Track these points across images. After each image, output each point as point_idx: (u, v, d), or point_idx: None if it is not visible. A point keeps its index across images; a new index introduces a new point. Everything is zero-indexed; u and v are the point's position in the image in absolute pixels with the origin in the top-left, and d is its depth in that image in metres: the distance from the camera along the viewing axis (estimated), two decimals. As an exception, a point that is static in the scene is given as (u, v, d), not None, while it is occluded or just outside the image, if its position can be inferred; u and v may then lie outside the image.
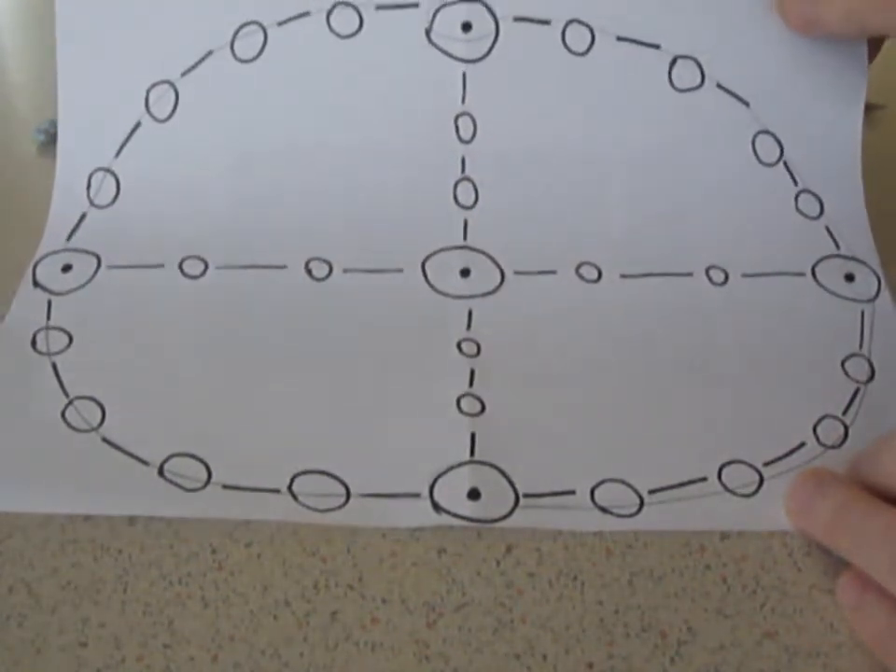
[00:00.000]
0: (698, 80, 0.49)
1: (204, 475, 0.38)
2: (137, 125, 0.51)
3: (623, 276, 0.48)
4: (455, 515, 0.37)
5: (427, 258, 0.48)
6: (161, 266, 0.48)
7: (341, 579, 0.35)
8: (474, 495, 0.37)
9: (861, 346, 0.45)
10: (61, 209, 0.50)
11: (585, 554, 0.36)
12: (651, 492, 0.38)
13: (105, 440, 0.39)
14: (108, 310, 0.46)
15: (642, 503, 0.37)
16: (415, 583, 0.35)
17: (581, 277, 0.48)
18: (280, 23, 0.49)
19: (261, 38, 0.49)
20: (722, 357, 0.44)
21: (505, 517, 0.37)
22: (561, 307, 0.46)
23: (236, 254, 0.48)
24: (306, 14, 0.49)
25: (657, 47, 0.49)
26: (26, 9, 0.81)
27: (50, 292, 0.46)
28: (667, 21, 0.49)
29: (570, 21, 0.49)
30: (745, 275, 0.48)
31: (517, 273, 0.48)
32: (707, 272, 0.48)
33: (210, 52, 0.50)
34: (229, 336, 0.44)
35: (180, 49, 0.50)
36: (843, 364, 0.44)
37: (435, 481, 0.38)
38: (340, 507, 0.37)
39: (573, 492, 0.38)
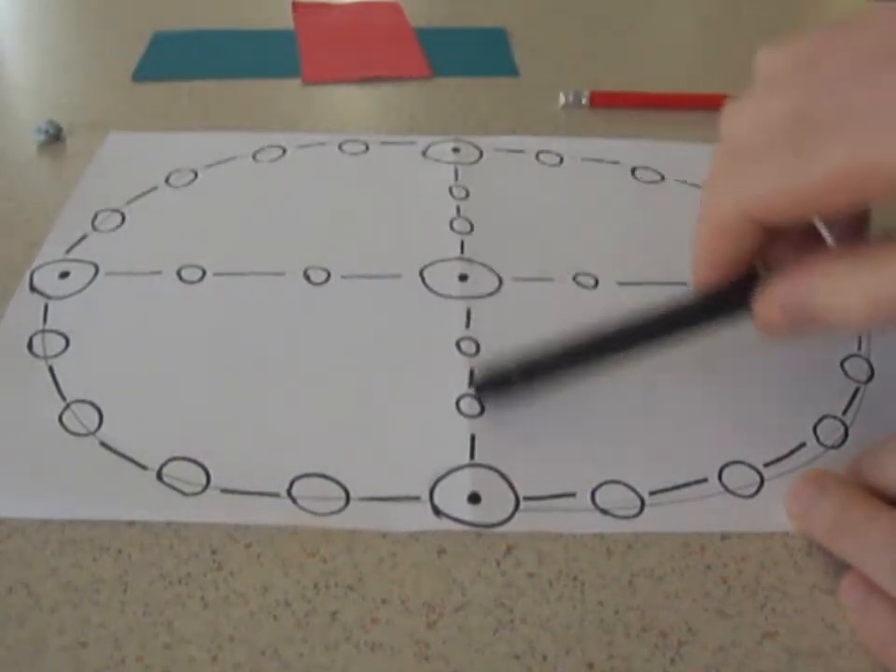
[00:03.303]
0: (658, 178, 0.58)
1: (203, 479, 0.38)
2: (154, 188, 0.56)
3: (621, 284, 0.48)
4: (456, 520, 0.37)
5: (425, 266, 0.49)
6: (160, 273, 0.48)
7: (341, 579, 0.35)
8: (474, 499, 0.37)
9: (859, 347, 0.45)
10: (62, 229, 0.52)
11: (585, 555, 0.36)
12: (652, 493, 0.38)
13: (102, 444, 0.39)
14: (105, 313, 0.46)
15: (643, 504, 0.37)
16: (415, 583, 0.35)
17: (579, 284, 0.48)
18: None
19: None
20: (722, 358, 0.44)
21: (506, 521, 0.37)
22: (559, 309, 0.47)
23: (235, 264, 0.49)
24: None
25: (616, 163, 0.59)
26: (26, 9, 0.81)
27: (47, 297, 0.46)
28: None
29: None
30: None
31: (515, 279, 0.48)
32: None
33: None
34: (227, 339, 0.44)
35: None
36: (842, 364, 0.44)
37: (435, 484, 0.38)
38: (339, 510, 0.37)
39: (574, 494, 0.38)
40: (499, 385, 0.40)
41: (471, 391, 0.42)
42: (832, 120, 0.31)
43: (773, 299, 0.35)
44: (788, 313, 0.35)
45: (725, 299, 0.38)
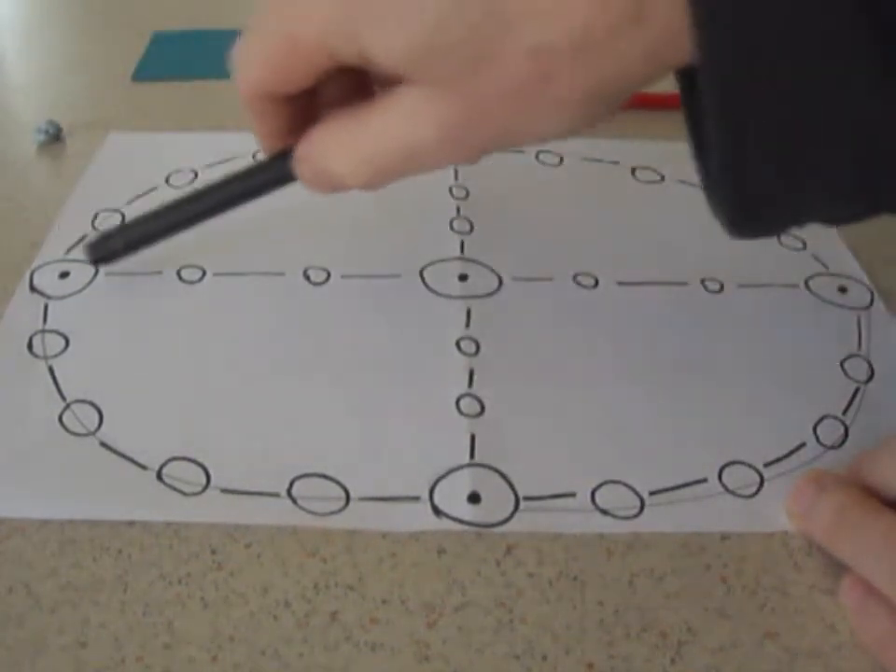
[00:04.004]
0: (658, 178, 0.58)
1: (203, 479, 0.38)
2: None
3: (620, 283, 0.48)
4: (456, 519, 0.37)
5: (425, 266, 0.49)
6: (160, 273, 0.48)
7: (341, 579, 0.35)
8: (474, 498, 0.37)
9: (859, 347, 0.45)
10: (62, 229, 0.52)
11: (585, 555, 0.36)
12: (652, 493, 0.38)
13: (102, 444, 0.39)
14: (105, 313, 0.46)
15: (643, 504, 0.37)
16: (415, 583, 0.35)
17: (579, 284, 0.48)
18: None
19: None
20: (722, 359, 0.44)
21: (506, 521, 0.37)
22: (559, 308, 0.47)
23: (235, 264, 0.49)
24: None
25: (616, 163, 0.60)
26: (27, 9, 0.81)
27: (47, 297, 0.46)
28: None
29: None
30: (740, 286, 0.48)
31: (515, 279, 0.48)
32: (702, 282, 0.48)
33: None
34: (227, 339, 0.44)
35: None
36: (842, 364, 0.44)
37: (435, 484, 0.38)
38: (339, 510, 0.37)
39: (574, 494, 0.38)
40: (105, 248, 0.46)
41: None
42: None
43: (301, 164, 0.36)
44: (315, 178, 0.35)
45: (283, 163, 0.38)
